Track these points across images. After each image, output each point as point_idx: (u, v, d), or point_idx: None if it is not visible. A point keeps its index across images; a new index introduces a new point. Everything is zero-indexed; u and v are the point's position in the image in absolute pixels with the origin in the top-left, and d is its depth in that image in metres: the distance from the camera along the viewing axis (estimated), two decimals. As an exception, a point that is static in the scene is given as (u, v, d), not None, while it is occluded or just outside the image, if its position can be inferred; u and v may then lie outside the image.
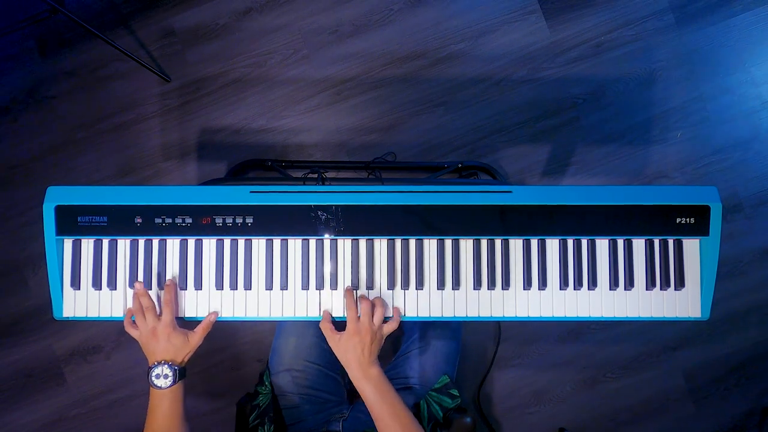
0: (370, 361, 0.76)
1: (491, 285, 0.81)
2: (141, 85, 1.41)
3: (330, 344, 0.79)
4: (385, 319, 0.78)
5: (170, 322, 0.77)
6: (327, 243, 0.80)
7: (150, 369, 0.75)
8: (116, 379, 1.40)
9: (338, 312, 0.81)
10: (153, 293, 0.80)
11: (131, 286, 0.80)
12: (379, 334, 0.77)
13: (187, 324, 0.81)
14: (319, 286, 0.80)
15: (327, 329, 0.78)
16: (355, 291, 0.81)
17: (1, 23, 1.40)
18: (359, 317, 0.76)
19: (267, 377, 0.92)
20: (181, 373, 0.76)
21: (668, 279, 0.81)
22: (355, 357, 0.75)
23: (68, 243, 0.80)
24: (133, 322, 0.78)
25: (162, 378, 0.74)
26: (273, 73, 1.41)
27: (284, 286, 0.80)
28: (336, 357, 0.79)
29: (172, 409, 0.75)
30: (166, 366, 0.75)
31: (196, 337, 0.78)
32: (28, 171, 1.40)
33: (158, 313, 0.78)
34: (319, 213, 0.79)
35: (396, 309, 0.80)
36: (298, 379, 0.91)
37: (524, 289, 0.81)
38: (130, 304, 0.80)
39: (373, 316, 0.76)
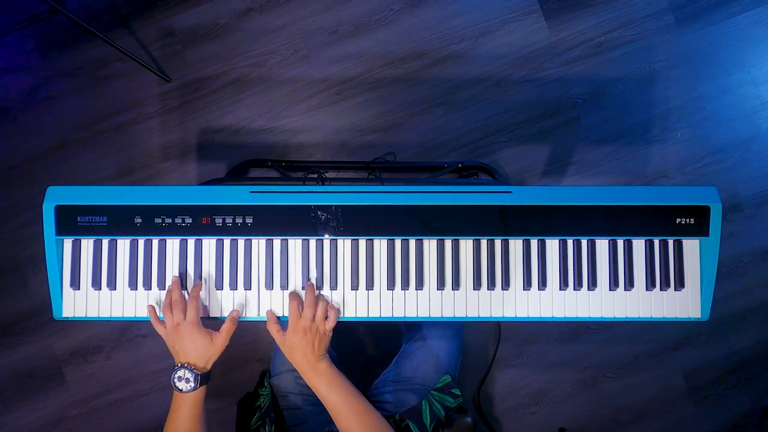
0: (317, 357, 0.76)
1: (491, 285, 0.81)
2: (141, 85, 1.41)
3: (278, 344, 0.79)
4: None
5: (194, 320, 0.76)
6: (327, 243, 0.80)
7: (174, 370, 0.75)
8: (116, 379, 1.40)
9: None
10: (155, 293, 0.80)
11: (131, 286, 0.80)
12: (322, 329, 0.76)
13: (214, 325, 0.80)
14: (319, 286, 0.80)
15: (273, 330, 0.78)
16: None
17: (1, 23, 1.40)
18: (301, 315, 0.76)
19: (267, 379, 0.92)
20: (204, 378, 0.76)
21: (668, 279, 0.81)
22: (302, 353, 0.76)
23: (68, 243, 0.80)
24: (162, 321, 0.78)
25: (184, 381, 0.74)
26: (273, 73, 1.41)
27: (284, 286, 0.80)
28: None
29: (193, 412, 0.75)
30: (188, 370, 0.74)
31: (221, 338, 0.77)
32: (28, 171, 1.40)
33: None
34: (319, 213, 0.79)
35: (332, 306, 0.79)
36: (300, 380, 0.91)
37: (524, 290, 0.81)
38: (130, 304, 0.80)
39: (315, 314, 0.76)
